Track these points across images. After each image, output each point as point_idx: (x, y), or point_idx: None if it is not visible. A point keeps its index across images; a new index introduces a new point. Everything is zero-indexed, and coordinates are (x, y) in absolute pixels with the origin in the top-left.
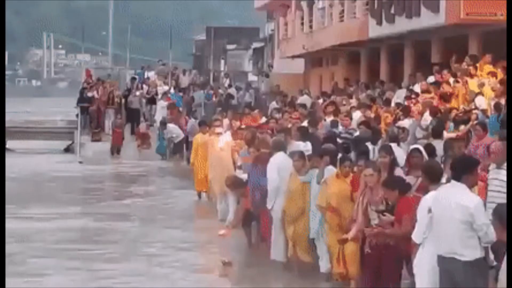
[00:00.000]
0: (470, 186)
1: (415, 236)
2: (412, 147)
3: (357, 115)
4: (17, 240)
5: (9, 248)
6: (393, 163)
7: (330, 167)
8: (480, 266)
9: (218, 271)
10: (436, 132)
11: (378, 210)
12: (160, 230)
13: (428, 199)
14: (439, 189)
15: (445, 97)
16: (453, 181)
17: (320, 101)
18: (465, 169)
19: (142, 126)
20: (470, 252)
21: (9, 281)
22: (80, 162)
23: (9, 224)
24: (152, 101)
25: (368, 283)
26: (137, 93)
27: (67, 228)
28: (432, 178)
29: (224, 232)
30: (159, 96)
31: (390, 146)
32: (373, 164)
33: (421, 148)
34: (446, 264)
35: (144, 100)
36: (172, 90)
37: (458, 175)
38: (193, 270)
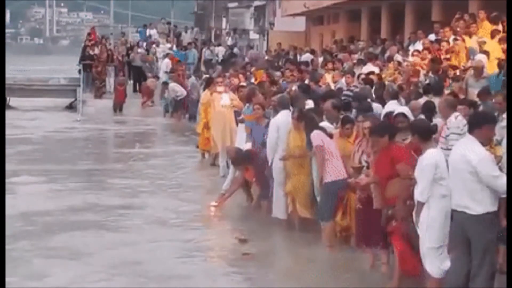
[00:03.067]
0: (482, 141)
1: (420, 195)
2: (396, 111)
3: (367, 68)
4: (22, 218)
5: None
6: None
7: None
8: (490, 220)
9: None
10: (436, 89)
11: (368, 161)
12: (165, 199)
13: (433, 157)
14: (458, 142)
15: (436, 61)
16: (467, 134)
17: (321, 59)
18: (475, 123)
19: (146, 83)
20: (479, 206)
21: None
22: (78, 120)
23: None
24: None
25: (361, 239)
26: (139, 50)
27: (70, 198)
28: (423, 136)
29: (217, 203)
30: (159, 55)
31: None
32: (372, 117)
33: (406, 112)
34: (457, 217)
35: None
36: (174, 48)
37: (470, 128)
38: (199, 230)
